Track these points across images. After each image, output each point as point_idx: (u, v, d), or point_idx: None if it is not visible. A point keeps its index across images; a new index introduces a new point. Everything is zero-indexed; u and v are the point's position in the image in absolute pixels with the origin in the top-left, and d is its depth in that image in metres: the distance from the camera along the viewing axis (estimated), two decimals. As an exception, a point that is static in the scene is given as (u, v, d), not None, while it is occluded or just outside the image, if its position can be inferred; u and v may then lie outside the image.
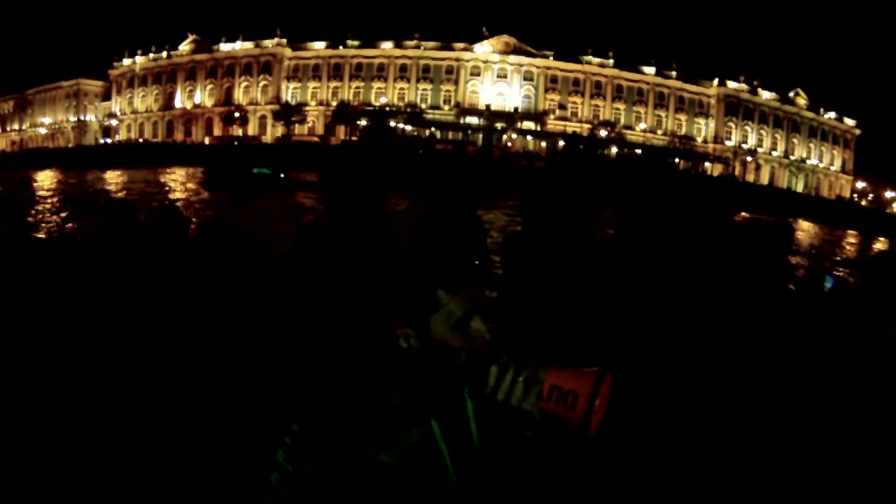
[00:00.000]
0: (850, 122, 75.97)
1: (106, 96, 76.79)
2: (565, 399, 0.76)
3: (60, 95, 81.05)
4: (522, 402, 0.78)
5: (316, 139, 51.08)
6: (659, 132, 59.55)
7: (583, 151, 45.88)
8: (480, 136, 50.42)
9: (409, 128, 47.51)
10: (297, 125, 54.21)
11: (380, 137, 39.30)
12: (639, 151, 49.40)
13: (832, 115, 74.78)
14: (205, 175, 26.33)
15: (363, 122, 46.97)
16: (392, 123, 45.90)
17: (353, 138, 50.13)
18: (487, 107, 53.33)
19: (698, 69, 65.83)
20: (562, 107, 53.56)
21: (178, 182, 30.51)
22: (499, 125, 51.22)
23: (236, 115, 57.46)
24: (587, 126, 54.60)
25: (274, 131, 56.89)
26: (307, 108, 55.45)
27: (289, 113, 52.97)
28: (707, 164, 57.09)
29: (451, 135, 48.82)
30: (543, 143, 49.19)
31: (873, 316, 2.07)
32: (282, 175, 24.49)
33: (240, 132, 58.04)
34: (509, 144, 50.51)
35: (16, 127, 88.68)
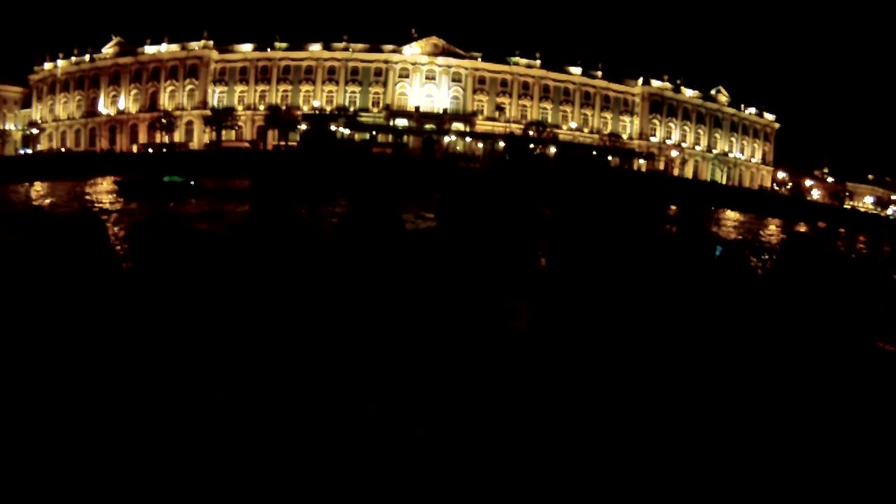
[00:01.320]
0: (769, 116, 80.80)
1: (26, 103, 73.31)
2: None
3: (-24, 102, 76.91)
4: None
5: (247, 145, 50.52)
6: (586, 130, 61.80)
7: (523, 151, 47.27)
8: (412, 138, 51.12)
9: (346, 131, 47.65)
10: (226, 130, 53.45)
11: (322, 142, 39.65)
12: (574, 151, 51.22)
13: (752, 110, 79.26)
14: (118, 185, 26.55)
15: (302, 127, 46.76)
16: (332, 127, 45.98)
17: (284, 143, 49.87)
18: (417, 108, 54.07)
19: (623, 69, 68.54)
20: (499, 108, 54.86)
21: (101, 192, 29.93)
22: (428, 126, 52.05)
23: (163, 120, 56.07)
24: (515, 126, 56.16)
25: (202, 137, 55.87)
26: (236, 112, 54.72)
27: (219, 118, 52.13)
28: (640, 161, 59.66)
29: (390, 138, 49.24)
30: (480, 144, 50.22)
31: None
32: (192, 182, 25.00)
33: (166, 139, 56.68)
34: (448, 146, 51.37)
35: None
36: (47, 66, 68.24)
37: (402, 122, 52.57)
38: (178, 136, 56.34)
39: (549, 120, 59.15)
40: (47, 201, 26.42)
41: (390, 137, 49.74)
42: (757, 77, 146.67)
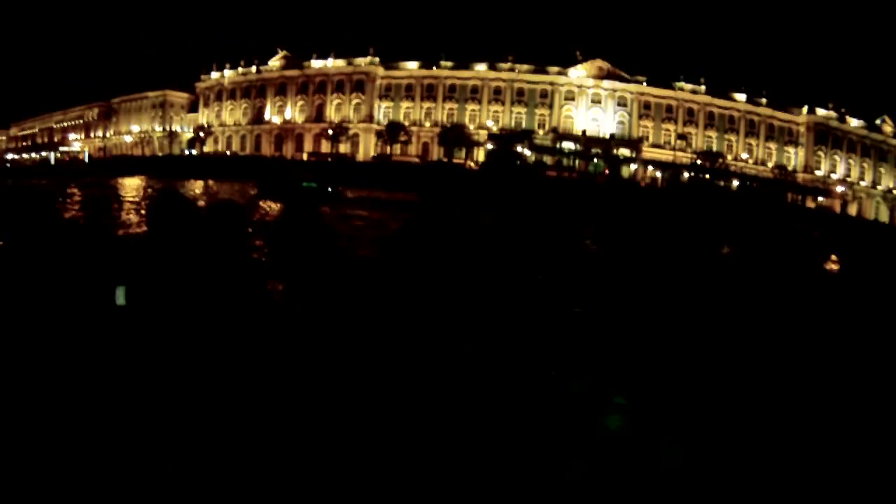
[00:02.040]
0: (935, 148, 73.65)
1: (192, 108, 79.82)
2: None
3: (146, 105, 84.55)
4: None
5: (416, 160, 51.93)
6: (750, 161, 58.76)
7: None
8: (578, 161, 50.51)
9: (528, 153, 47.91)
10: (393, 145, 55.26)
11: (505, 163, 40.25)
12: (751, 183, 48.74)
13: (918, 142, 72.52)
14: (257, 186, 27.46)
15: (488, 146, 47.48)
16: (519, 149, 46.46)
17: (458, 161, 50.53)
18: (584, 132, 53.55)
19: (787, 96, 64.69)
20: (682, 137, 53.31)
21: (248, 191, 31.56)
22: (594, 151, 51.37)
23: (330, 132, 58.78)
24: (681, 154, 54.26)
25: (367, 149, 58.13)
26: (408, 128, 56.39)
27: (393, 133, 54.01)
28: (820, 198, 55.90)
29: (577, 162, 48.81)
30: (659, 174, 48.98)
31: None
32: (329, 189, 25.94)
33: (331, 149, 59.39)
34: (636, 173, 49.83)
35: (100, 134, 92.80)
36: (214, 75, 73.87)
37: (568, 145, 52.22)
38: (345, 148, 58.92)
39: (714, 148, 56.73)
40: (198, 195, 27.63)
41: (576, 162, 49.16)
42: None
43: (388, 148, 53.96)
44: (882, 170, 69.33)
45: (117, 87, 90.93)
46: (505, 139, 48.46)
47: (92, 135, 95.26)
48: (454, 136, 50.71)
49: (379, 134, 55.48)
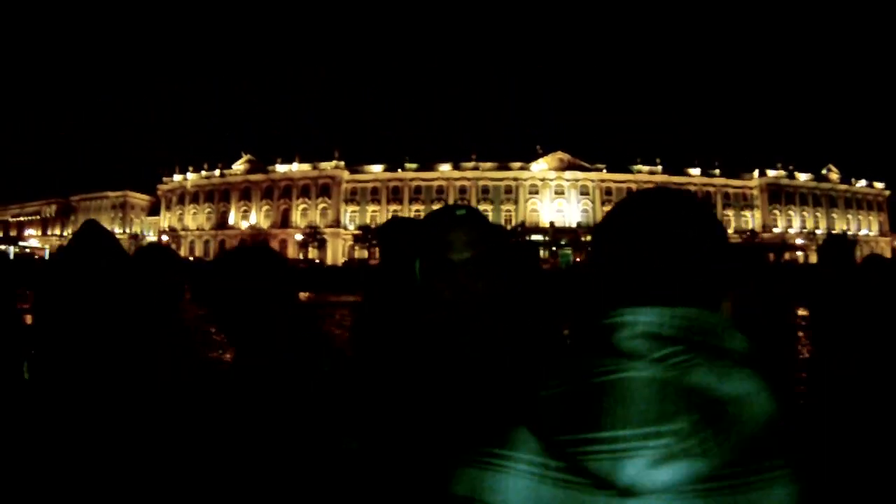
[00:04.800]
0: (879, 185, 77.89)
1: (153, 211, 78.33)
2: None
3: (106, 205, 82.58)
4: None
5: None
6: (712, 231, 60.79)
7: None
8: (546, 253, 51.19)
9: None
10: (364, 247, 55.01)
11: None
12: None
13: (863, 182, 76.63)
14: (189, 290, 29.37)
15: None
16: None
17: None
18: (552, 224, 54.54)
19: (737, 163, 67.79)
20: None
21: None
22: (563, 241, 52.30)
23: (300, 237, 58.16)
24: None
25: (335, 254, 57.78)
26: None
27: (372, 236, 53.82)
28: (798, 253, 58.04)
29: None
30: None
31: None
32: None
33: (300, 255, 58.81)
34: None
35: (57, 232, 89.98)
36: (177, 178, 72.88)
37: (536, 238, 52.99)
38: (313, 254, 58.46)
39: (677, 225, 58.45)
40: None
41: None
42: (863, 148, 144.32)
43: (364, 252, 53.68)
44: (834, 215, 72.75)
45: (76, 184, 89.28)
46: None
47: (49, 232, 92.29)
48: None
49: (356, 238, 55.13)
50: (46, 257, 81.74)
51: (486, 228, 1.02)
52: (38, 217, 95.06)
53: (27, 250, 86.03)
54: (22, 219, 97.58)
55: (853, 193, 75.17)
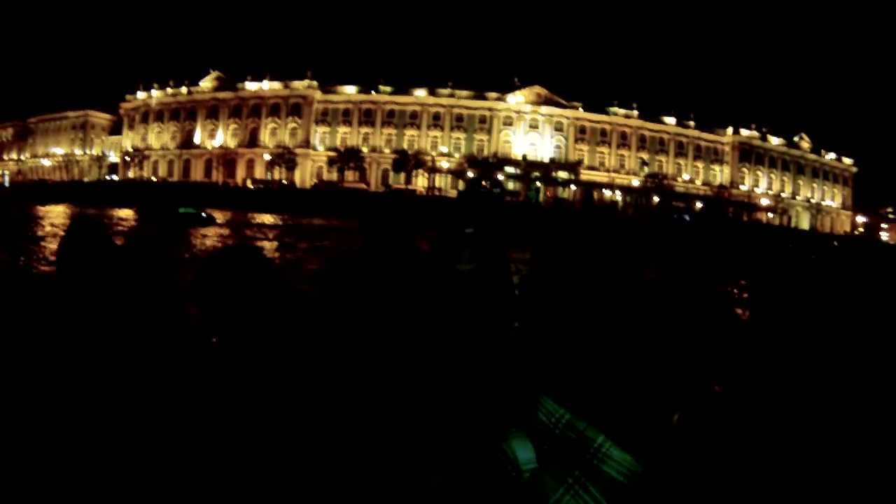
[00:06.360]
0: (847, 160, 79.80)
1: (114, 130, 74.93)
2: None
3: (66, 126, 78.73)
4: None
5: (364, 186, 50.07)
6: (679, 180, 61.29)
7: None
8: (519, 185, 50.62)
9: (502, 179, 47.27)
10: (335, 171, 53.56)
11: (478, 192, 40.61)
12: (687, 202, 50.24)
13: (832, 155, 78.33)
14: (137, 212, 29.31)
15: (469, 175, 46.20)
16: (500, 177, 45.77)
17: (400, 186, 49.46)
18: (524, 157, 54.06)
19: (713, 118, 68.21)
20: (645, 164, 54.53)
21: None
22: (534, 175, 51.93)
23: (268, 157, 56.35)
24: (616, 176, 55.83)
25: (303, 176, 56.21)
26: (362, 154, 54.49)
27: (346, 159, 52.30)
28: (769, 214, 58.63)
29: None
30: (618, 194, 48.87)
31: None
32: (203, 214, 28.39)
33: (269, 176, 57.05)
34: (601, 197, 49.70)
35: (14, 157, 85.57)
36: (140, 95, 69.64)
37: (510, 170, 52.45)
38: (279, 174, 56.64)
39: (647, 170, 58.73)
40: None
41: (515, 186, 48.90)
42: (835, 122, 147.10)
43: (338, 175, 52.16)
44: (801, 182, 74.29)
45: (33, 106, 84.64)
46: (487, 167, 48.08)
47: (6, 157, 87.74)
48: (416, 162, 49.76)
49: (331, 161, 53.43)
50: (6, 184, 77.70)
51: (486, 244, 1.20)
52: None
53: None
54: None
55: (822, 164, 76.75)
